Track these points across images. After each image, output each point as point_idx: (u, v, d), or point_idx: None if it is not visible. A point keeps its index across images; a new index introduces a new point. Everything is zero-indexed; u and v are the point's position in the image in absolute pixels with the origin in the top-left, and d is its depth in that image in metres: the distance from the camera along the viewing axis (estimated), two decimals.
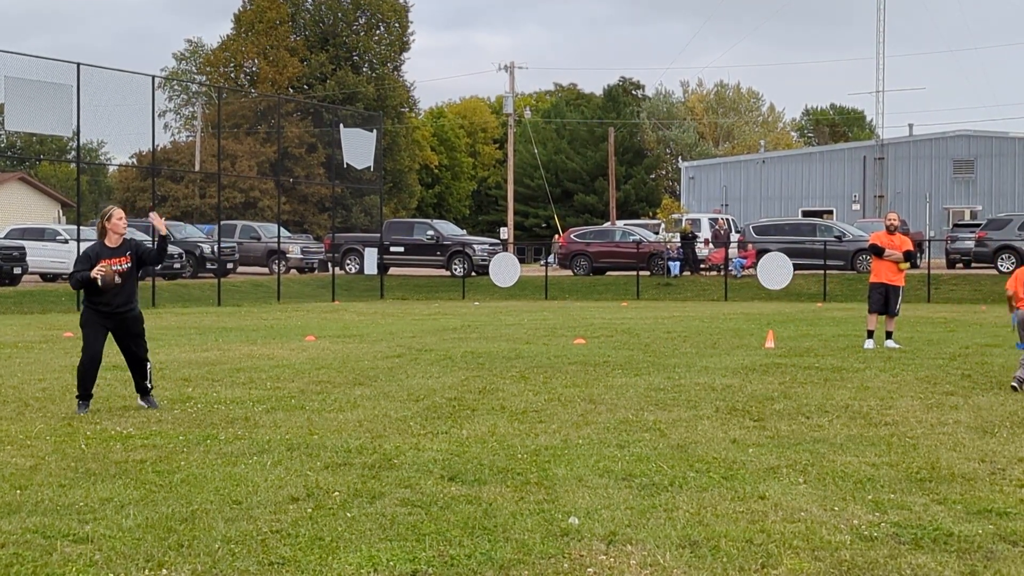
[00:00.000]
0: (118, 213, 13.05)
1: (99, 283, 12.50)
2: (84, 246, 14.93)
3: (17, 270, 40.20)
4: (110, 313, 12.79)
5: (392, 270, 53.02)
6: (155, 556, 6.94)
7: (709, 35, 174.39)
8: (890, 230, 21.30)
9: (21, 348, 20.80)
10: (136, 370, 13.19)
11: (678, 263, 49.79)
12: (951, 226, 59.70)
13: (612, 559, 6.94)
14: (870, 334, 20.84)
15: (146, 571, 6.68)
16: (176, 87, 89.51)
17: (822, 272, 44.34)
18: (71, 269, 13.19)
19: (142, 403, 13.17)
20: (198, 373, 16.75)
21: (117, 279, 12.66)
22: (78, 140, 38.76)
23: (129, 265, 12.89)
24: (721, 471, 9.47)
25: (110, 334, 12.98)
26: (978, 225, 51.24)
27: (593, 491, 8.72)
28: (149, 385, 13.25)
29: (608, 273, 51.77)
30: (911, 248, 21.46)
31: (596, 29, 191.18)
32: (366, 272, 50.64)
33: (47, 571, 6.65)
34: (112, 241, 12.89)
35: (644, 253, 50.39)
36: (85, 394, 12.88)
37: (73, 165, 56.35)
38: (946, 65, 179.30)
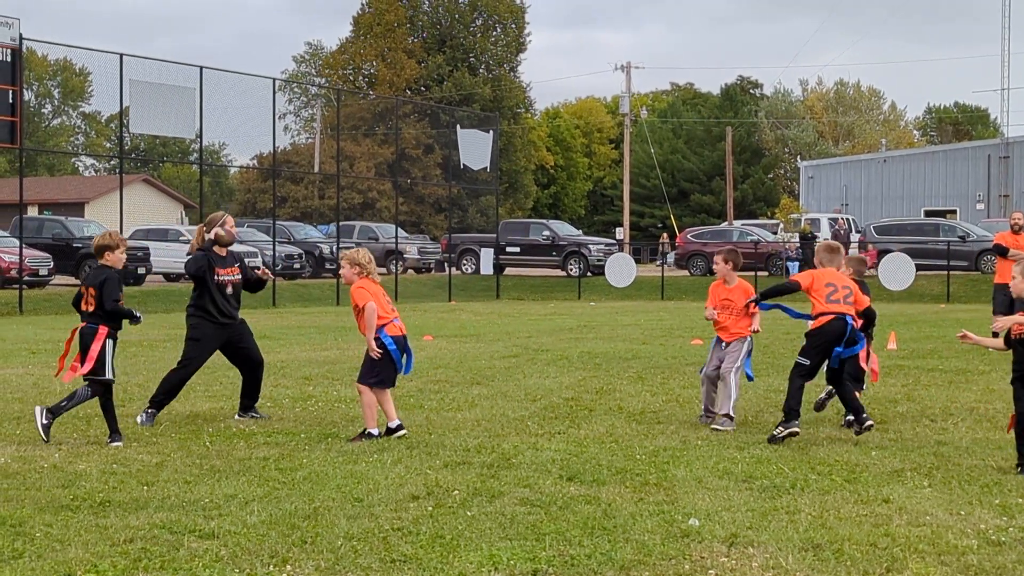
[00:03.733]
0: (231, 220, 12.65)
1: (222, 240, 12.29)
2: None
3: (141, 270, 41.00)
4: (224, 324, 12.30)
5: (508, 270, 53.12)
6: (279, 552, 7.02)
7: (830, 32, 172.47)
8: (1015, 230, 20.90)
9: (145, 347, 21.18)
10: (251, 381, 12.53)
11: (797, 263, 49.25)
12: None
13: (734, 561, 6.89)
14: (995, 335, 20.41)
15: (271, 567, 6.76)
16: (296, 90, 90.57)
17: (945, 273, 43.57)
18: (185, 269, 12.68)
19: (250, 415, 12.42)
20: (318, 372, 16.93)
21: (235, 234, 12.61)
22: (200, 142, 39.38)
23: (239, 277, 12.47)
24: (843, 474, 9.36)
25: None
26: None
27: (713, 493, 8.67)
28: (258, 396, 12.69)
29: None
30: None
31: (717, 27, 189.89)
32: (482, 272, 50.83)
33: (174, 566, 6.76)
34: (222, 250, 12.41)
35: (762, 253, 49.91)
36: (162, 406, 12.30)
37: (195, 167, 57.30)
38: None
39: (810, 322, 11.33)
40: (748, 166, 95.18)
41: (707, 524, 7.67)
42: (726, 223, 68.42)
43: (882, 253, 44.05)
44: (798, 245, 50.06)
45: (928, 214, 66.31)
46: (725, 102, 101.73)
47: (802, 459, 10.00)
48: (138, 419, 12.02)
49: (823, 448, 10.55)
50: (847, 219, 57.72)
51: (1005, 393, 14.32)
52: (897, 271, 38.85)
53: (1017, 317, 9.74)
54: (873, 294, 37.72)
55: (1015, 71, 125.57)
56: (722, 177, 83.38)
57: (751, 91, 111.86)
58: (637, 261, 53.06)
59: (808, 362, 11.19)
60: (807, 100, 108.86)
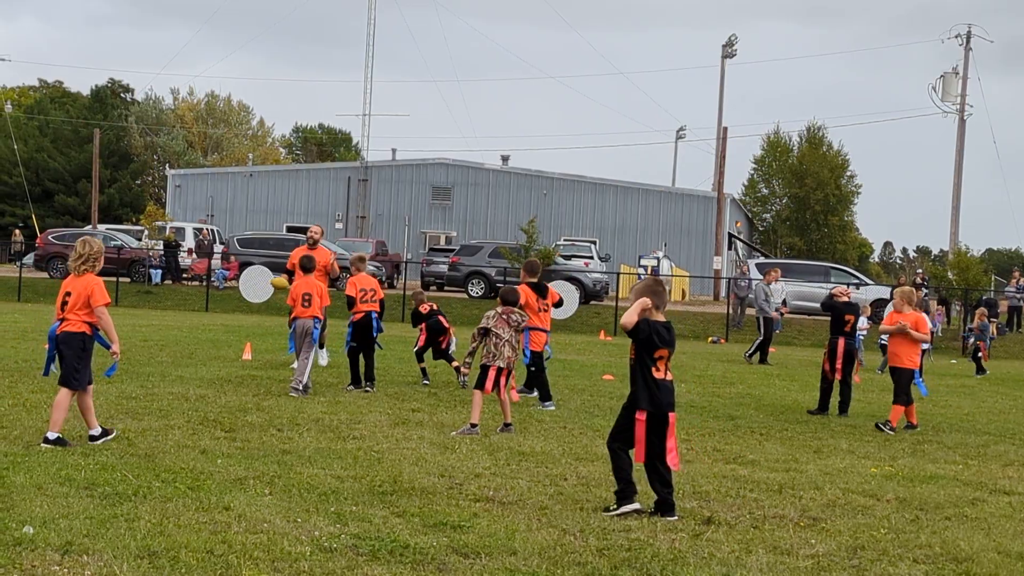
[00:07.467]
0: None
1: None
2: None
3: None
4: None
5: None
6: None
7: (206, 44, 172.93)
8: (311, 244, 20.81)
9: None
10: None
11: (160, 271, 48.98)
12: (427, 250, 61.77)
13: (66, 569, 6.76)
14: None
15: None
16: None
17: None
18: None
19: None
20: None
21: None
22: None
23: None
24: (188, 481, 9.41)
25: None
26: (452, 250, 53.32)
27: (52, 500, 8.46)
28: None
29: None
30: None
31: (92, 26, 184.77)
32: None
33: None
34: None
35: (125, 259, 49.25)
36: None
37: None
38: (429, 94, 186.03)
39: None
40: (116, 170, 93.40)
41: (42, 532, 7.46)
42: (90, 226, 66.82)
43: (244, 265, 44.61)
44: (162, 252, 49.79)
45: (290, 230, 67.92)
46: (95, 103, 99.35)
47: (148, 466, 9.95)
48: None
49: (170, 456, 10.54)
50: (212, 230, 58.09)
51: (350, 405, 14.96)
52: (256, 284, 39.44)
53: None
54: (233, 305, 37.27)
55: (376, 98, 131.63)
56: (88, 179, 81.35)
57: (122, 95, 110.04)
58: None
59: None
60: (178, 109, 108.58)
